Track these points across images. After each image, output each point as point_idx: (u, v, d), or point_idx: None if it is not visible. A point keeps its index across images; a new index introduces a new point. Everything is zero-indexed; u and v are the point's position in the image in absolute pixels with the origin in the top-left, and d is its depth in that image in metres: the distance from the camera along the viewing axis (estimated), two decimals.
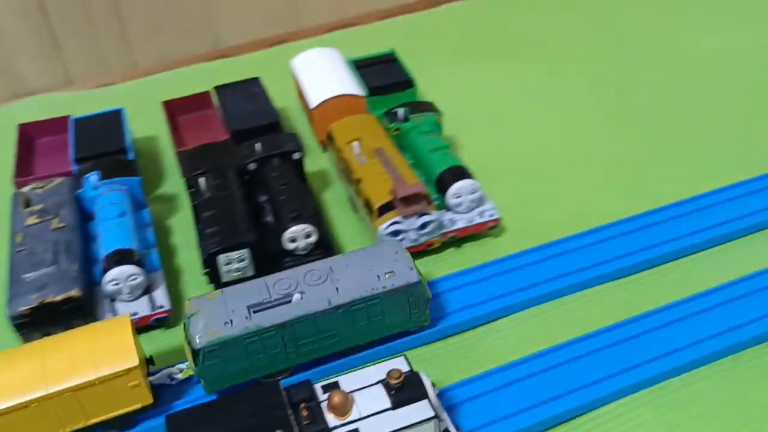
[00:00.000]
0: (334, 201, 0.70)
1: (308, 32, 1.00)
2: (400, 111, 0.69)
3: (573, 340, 0.54)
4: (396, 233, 0.60)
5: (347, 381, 0.47)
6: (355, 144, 0.66)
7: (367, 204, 0.61)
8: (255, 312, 0.51)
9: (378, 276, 0.53)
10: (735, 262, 0.60)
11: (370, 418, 0.45)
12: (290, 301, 0.52)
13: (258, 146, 0.65)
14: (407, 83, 0.74)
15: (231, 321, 0.51)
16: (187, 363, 0.53)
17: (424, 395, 0.46)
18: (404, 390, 0.46)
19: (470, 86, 0.84)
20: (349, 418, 0.45)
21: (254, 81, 0.77)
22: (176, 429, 0.45)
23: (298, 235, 0.59)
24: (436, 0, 1.04)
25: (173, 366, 0.53)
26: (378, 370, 0.48)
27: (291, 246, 0.59)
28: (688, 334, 0.54)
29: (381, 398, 0.46)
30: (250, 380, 0.53)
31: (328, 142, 0.71)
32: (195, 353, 0.50)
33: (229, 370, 0.52)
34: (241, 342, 0.51)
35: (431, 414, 0.45)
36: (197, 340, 0.50)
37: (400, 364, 0.48)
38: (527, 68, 0.87)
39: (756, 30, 0.90)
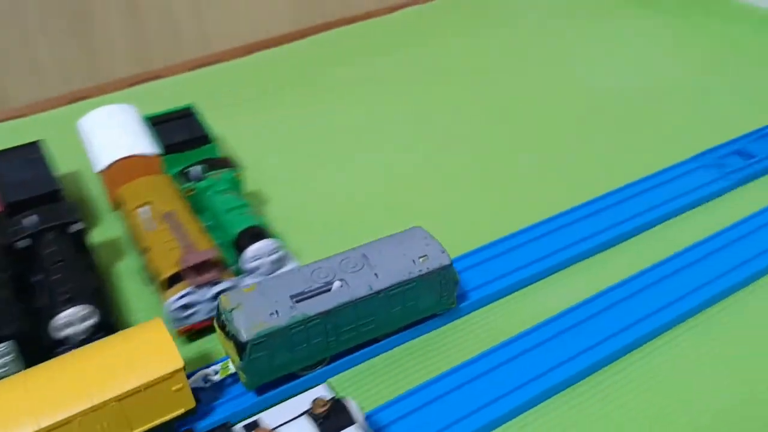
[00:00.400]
0: (128, 273, 0.63)
1: (108, 87, 0.93)
2: (194, 169, 0.64)
3: (487, 352, 0.54)
4: (186, 306, 0.55)
5: (270, 417, 0.45)
6: (144, 209, 0.60)
7: (156, 275, 0.56)
8: (298, 302, 0.51)
9: (413, 260, 0.54)
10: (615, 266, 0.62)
11: None
12: (330, 290, 0.52)
13: (30, 220, 0.58)
14: (205, 138, 0.70)
15: (276, 311, 0.50)
16: (221, 364, 0.51)
17: (351, 421, 0.45)
18: (331, 418, 0.45)
19: (282, 134, 0.81)
20: None
21: (34, 145, 0.70)
22: None
23: (73, 319, 0.52)
24: (247, 49, 1.01)
25: (208, 367, 0.51)
26: (300, 402, 0.46)
27: (66, 332, 0.52)
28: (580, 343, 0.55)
29: (308, 430, 0.44)
30: (289, 373, 0.52)
31: (118, 207, 0.65)
32: (242, 347, 0.49)
33: (274, 362, 0.51)
34: (288, 332, 0.50)
35: None
36: (243, 333, 0.49)
37: (322, 391, 0.47)
38: (345, 109, 0.85)
39: (617, 63, 0.95)
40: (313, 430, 0.44)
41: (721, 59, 0.95)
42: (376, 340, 0.55)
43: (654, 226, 0.67)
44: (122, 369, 0.47)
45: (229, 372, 0.51)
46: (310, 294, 0.51)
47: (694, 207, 0.69)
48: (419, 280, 0.54)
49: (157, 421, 0.48)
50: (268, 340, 0.49)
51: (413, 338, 0.56)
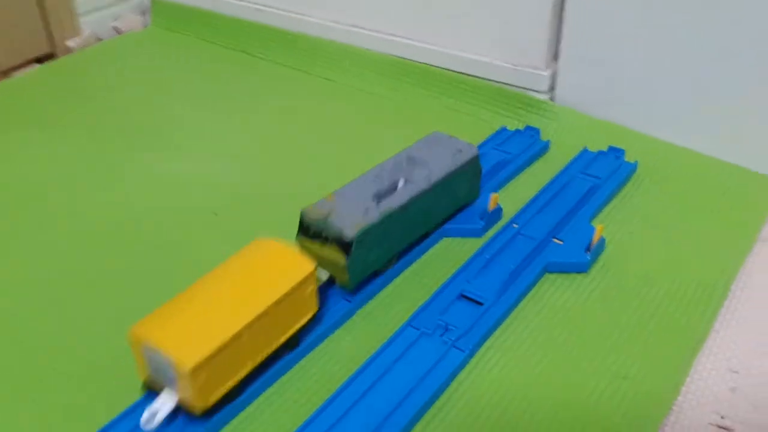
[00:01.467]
0: None
1: None
2: None
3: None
4: None
5: None
6: None
7: None
8: (379, 201, 0.58)
9: (452, 154, 0.64)
10: None
11: None
12: (397, 188, 0.60)
13: None
14: None
15: (366, 210, 0.57)
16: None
17: None
18: None
19: None
20: None
21: None
22: None
23: None
24: None
25: None
26: None
27: None
28: None
29: None
30: (374, 272, 0.59)
31: None
32: (347, 245, 0.55)
33: (368, 258, 0.57)
34: (379, 227, 0.57)
35: None
36: (347, 232, 0.55)
37: None
38: None
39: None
40: None
41: None
42: (427, 235, 0.65)
43: None
44: (267, 280, 0.51)
45: (321, 282, 0.56)
46: (385, 193, 0.59)
47: None
48: (461, 170, 0.64)
49: (297, 326, 0.53)
50: (366, 236, 0.56)
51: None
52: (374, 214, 0.56)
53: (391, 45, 0.96)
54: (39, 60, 1.09)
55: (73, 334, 0.58)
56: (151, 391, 0.49)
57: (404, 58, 0.95)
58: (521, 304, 0.60)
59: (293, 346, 0.54)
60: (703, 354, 0.57)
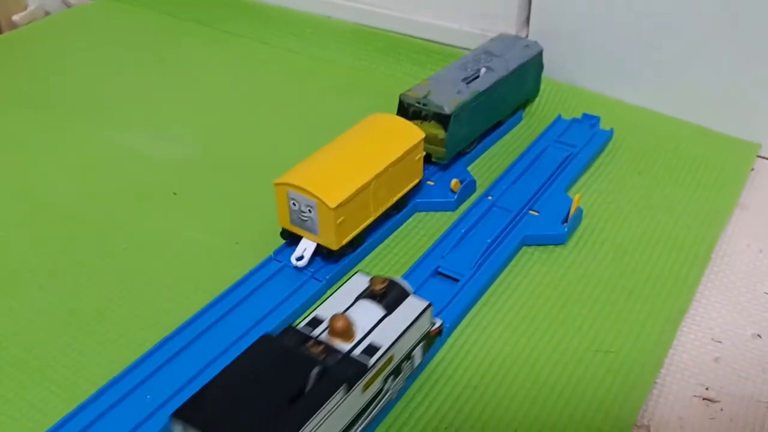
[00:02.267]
0: None
1: None
2: None
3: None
4: None
5: (326, 310, 0.45)
6: None
7: None
8: (467, 83, 0.68)
9: (522, 48, 0.74)
10: None
11: (375, 330, 0.44)
12: (479, 75, 0.69)
13: None
14: None
15: (459, 91, 0.66)
16: None
17: (406, 293, 0.47)
18: (388, 294, 0.46)
19: None
20: (357, 338, 0.43)
21: None
22: (217, 401, 0.39)
23: None
24: None
25: None
26: (347, 292, 0.47)
27: None
28: None
29: (372, 309, 0.45)
30: (461, 149, 0.68)
31: None
32: (445, 119, 0.64)
33: (460, 134, 0.66)
34: (469, 105, 0.66)
35: (425, 303, 0.46)
36: (446, 108, 0.64)
37: (361, 278, 0.48)
38: None
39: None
40: (376, 308, 0.45)
41: None
42: (500, 123, 0.74)
43: None
44: (386, 143, 0.59)
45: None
46: (471, 78, 0.68)
47: None
48: (530, 62, 0.73)
49: (407, 188, 0.62)
50: (461, 111, 0.65)
51: None
52: (466, 93, 0.66)
53: (354, 12, 0.92)
54: None
55: None
56: (291, 239, 0.58)
57: (368, 26, 0.91)
58: (498, 279, 0.58)
59: (401, 207, 0.62)
60: (685, 324, 0.55)
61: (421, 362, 0.49)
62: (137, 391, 0.49)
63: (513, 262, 0.60)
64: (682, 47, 0.74)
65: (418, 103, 0.65)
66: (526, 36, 0.82)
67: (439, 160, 0.67)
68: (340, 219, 0.55)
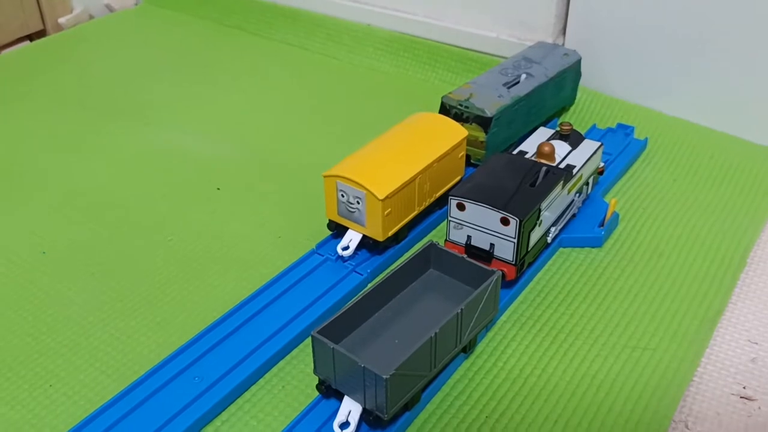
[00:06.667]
0: None
1: None
2: None
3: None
4: None
5: (527, 146, 0.63)
6: None
7: None
8: (508, 88, 0.70)
9: (561, 56, 0.76)
10: None
11: (567, 157, 0.61)
12: (519, 81, 0.71)
13: None
14: None
15: (500, 95, 0.68)
16: None
17: (583, 137, 0.64)
18: (571, 137, 0.63)
19: None
20: (557, 161, 0.60)
21: None
22: (478, 185, 0.56)
23: None
24: None
25: None
26: (541, 134, 0.65)
27: None
28: None
29: (562, 145, 0.62)
30: (501, 151, 0.68)
31: None
32: (486, 122, 0.66)
33: (499, 137, 0.69)
34: (510, 109, 0.68)
35: (598, 143, 0.63)
36: (488, 111, 0.66)
37: (545, 131, 0.65)
38: None
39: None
40: (563, 145, 0.62)
41: None
42: (536, 128, 0.71)
43: None
44: (431, 140, 0.61)
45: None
46: (512, 83, 0.71)
47: None
48: (568, 69, 0.76)
49: (450, 184, 0.63)
50: (502, 115, 0.67)
51: None
52: (507, 98, 0.68)
53: (394, 21, 0.94)
54: (30, 38, 1.06)
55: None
56: (336, 231, 0.60)
57: (407, 34, 0.93)
58: (536, 278, 0.59)
59: (443, 204, 0.63)
60: (721, 325, 0.56)
61: (588, 194, 0.64)
62: (186, 372, 0.51)
63: (550, 262, 0.61)
64: (718, 58, 0.76)
65: (460, 105, 0.67)
66: (562, 45, 0.84)
67: (478, 162, 0.68)
68: (387, 211, 0.57)
